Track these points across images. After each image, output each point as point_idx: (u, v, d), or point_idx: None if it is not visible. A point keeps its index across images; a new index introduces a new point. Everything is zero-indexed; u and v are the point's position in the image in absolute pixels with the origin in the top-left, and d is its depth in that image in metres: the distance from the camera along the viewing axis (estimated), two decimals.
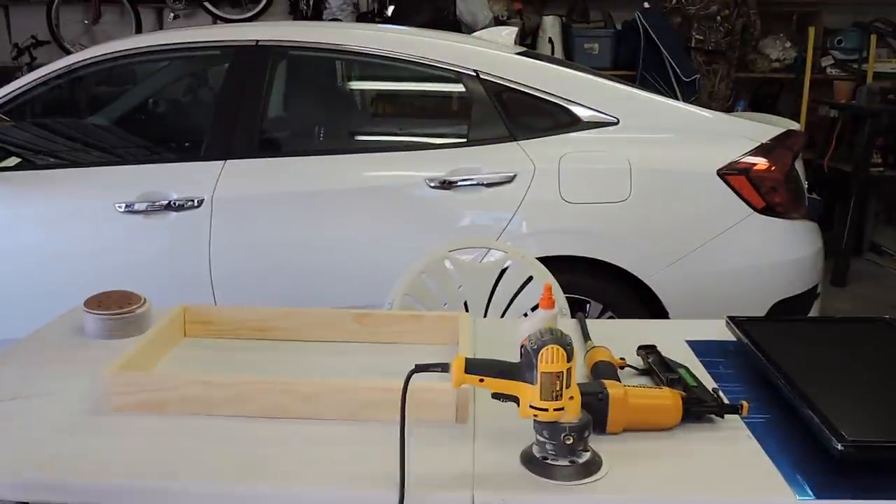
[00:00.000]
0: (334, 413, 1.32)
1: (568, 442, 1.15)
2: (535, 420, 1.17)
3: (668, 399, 1.28)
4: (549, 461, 1.17)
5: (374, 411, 1.31)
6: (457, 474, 1.16)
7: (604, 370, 1.42)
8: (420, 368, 1.16)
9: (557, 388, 1.14)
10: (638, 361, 1.50)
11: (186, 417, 1.32)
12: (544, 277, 2.14)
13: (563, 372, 1.14)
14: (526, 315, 2.15)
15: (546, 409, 1.14)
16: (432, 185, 2.83)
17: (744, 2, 5.18)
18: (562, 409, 1.15)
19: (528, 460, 1.20)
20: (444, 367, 1.17)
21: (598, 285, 2.85)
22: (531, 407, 1.15)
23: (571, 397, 1.16)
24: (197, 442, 1.25)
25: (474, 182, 2.83)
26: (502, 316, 2.22)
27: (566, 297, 2.09)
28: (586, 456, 1.18)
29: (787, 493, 1.12)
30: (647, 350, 1.52)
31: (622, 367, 1.46)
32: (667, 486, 1.15)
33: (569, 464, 1.17)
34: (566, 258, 2.79)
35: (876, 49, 5.49)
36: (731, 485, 1.16)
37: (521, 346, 1.16)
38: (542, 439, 1.18)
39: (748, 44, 5.36)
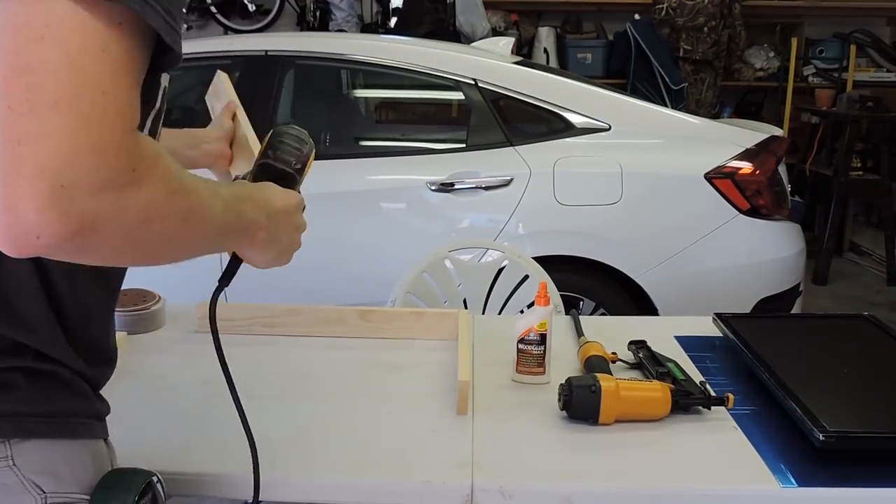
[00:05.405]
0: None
1: None
2: None
3: (658, 391, 1.28)
4: None
5: None
6: (457, 462, 1.16)
7: (596, 364, 1.42)
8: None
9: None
10: (629, 356, 1.50)
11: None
12: (540, 276, 2.14)
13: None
14: (522, 312, 2.15)
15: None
16: (433, 188, 2.82)
17: (730, 13, 5.18)
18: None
19: None
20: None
21: (591, 284, 2.84)
22: None
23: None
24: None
25: (473, 185, 2.83)
26: (500, 313, 2.21)
27: (560, 295, 2.09)
28: None
29: (771, 481, 1.12)
30: (638, 345, 1.52)
31: (614, 362, 1.46)
32: (656, 474, 1.15)
33: None
34: (561, 258, 2.79)
35: (855, 59, 5.49)
36: (718, 473, 1.16)
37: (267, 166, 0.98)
38: None
39: (734, 53, 5.36)
